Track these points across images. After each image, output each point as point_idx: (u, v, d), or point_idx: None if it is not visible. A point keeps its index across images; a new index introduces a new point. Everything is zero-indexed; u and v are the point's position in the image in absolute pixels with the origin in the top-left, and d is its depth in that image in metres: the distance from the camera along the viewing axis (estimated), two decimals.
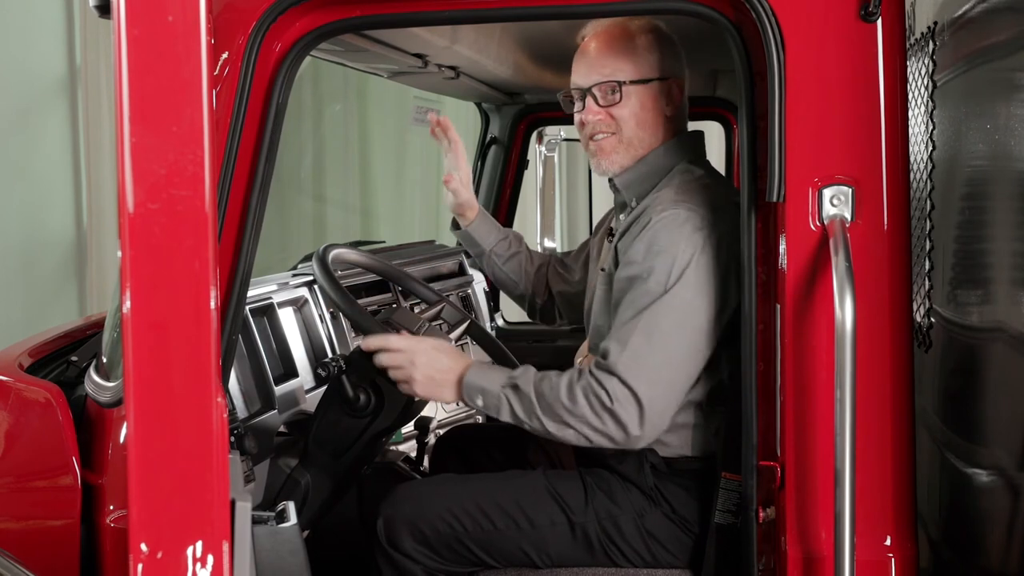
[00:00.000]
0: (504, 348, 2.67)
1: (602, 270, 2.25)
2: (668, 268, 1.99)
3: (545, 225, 4.44)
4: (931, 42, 1.89)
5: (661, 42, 2.20)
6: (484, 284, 3.89)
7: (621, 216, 2.29)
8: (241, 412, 2.43)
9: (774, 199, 1.77)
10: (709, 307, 2.01)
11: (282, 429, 2.58)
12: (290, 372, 2.66)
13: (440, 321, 2.66)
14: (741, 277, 1.87)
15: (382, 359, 2.13)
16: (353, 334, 2.98)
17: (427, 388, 2.11)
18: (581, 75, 2.21)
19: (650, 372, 1.97)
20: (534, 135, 4.08)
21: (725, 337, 2.05)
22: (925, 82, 1.92)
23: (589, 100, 2.19)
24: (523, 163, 4.03)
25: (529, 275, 2.75)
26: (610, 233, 2.34)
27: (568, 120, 2.28)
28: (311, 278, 2.87)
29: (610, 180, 2.28)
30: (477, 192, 3.99)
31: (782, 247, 1.79)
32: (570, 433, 2.00)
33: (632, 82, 2.17)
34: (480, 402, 2.06)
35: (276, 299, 2.70)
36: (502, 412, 2.05)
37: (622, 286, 2.07)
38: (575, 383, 1.99)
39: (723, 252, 2.02)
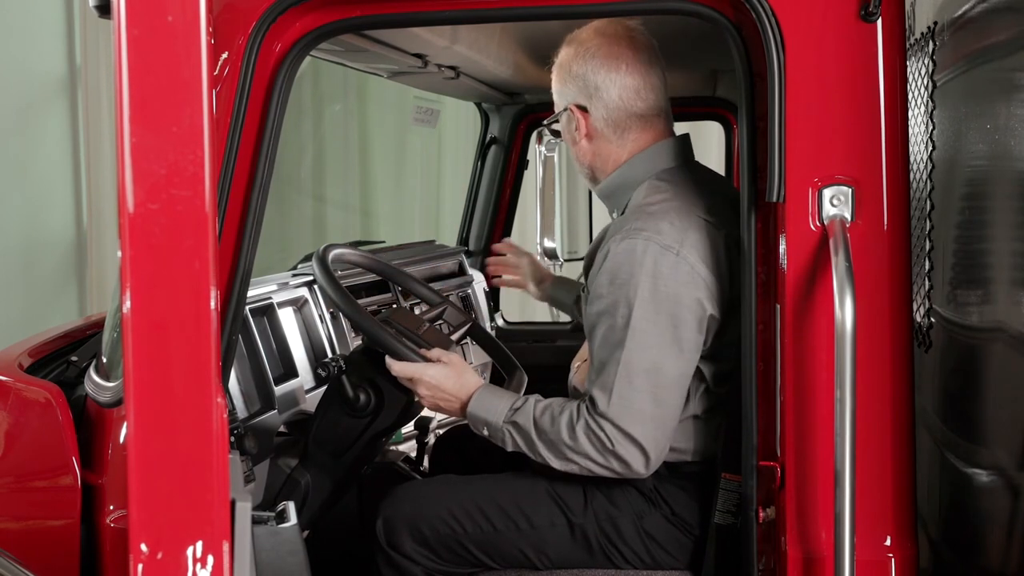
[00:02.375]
0: (505, 349, 2.67)
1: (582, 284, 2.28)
2: (633, 302, 1.98)
3: (545, 225, 4.43)
4: (931, 42, 1.89)
5: (558, 74, 2.23)
6: (484, 284, 3.89)
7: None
8: (241, 412, 2.43)
9: (774, 199, 1.77)
10: (683, 332, 2.00)
11: (282, 429, 2.58)
12: (290, 372, 2.66)
13: (441, 322, 2.66)
14: (742, 277, 1.87)
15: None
16: (353, 334, 2.98)
17: (436, 411, 2.21)
18: None
19: (640, 413, 1.98)
20: (534, 135, 4.07)
21: (712, 352, 2.05)
22: (925, 82, 1.92)
23: None
24: (523, 163, 4.03)
25: None
26: None
27: None
28: (311, 278, 2.87)
29: None
30: (477, 192, 3.99)
31: (782, 247, 1.79)
32: (574, 467, 2.03)
33: (553, 120, 2.29)
34: (486, 433, 2.11)
35: (276, 299, 2.70)
36: (507, 445, 2.09)
37: (592, 321, 2.06)
38: (575, 422, 2.00)
39: (688, 272, 2.00)
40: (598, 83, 2.17)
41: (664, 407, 2.00)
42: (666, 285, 1.99)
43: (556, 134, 4.21)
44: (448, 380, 2.13)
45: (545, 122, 2.31)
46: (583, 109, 2.18)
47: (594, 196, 4.42)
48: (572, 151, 2.26)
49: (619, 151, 2.19)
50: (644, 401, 1.98)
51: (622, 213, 2.19)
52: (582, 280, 2.27)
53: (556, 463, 2.03)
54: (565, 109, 2.22)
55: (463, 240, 4.03)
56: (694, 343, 2.01)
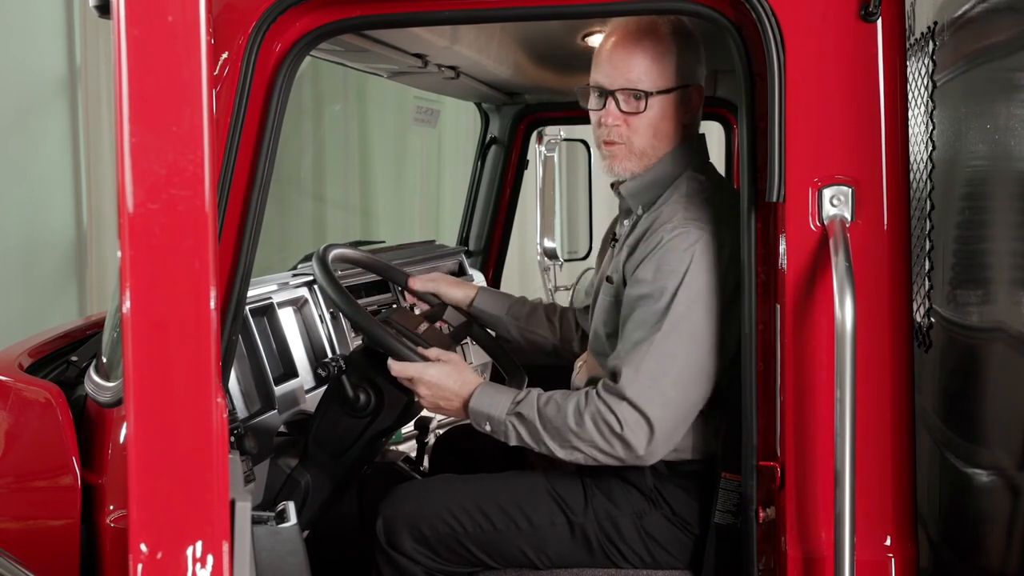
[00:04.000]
0: (505, 349, 2.67)
1: (608, 280, 2.23)
2: (679, 290, 1.98)
3: (545, 225, 4.44)
4: (931, 42, 1.89)
5: (687, 46, 2.14)
6: (484, 284, 3.89)
7: (626, 222, 2.27)
8: (241, 412, 2.43)
9: (774, 199, 1.77)
10: (720, 328, 2.00)
11: (282, 429, 2.58)
12: (290, 372, 2.66)
13: (441, 322, 2.66)
14: (741, 277, 1.87)
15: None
16: (353, 334, 2.98)
17: (436, 412, 2.19)
18: (605, 74, 2.12)
19: (662, 395, 1.97)
20: (534, 135, 4.07)
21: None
22: (925, 82, 1.92)
23: (611, 103, 2.11)
24: (523, 163, 4.03)
25: (555, 324, 2.68)
26: (614, 239, 2.34)
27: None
28: (311, 278, 2.87)
29: (613, 186, 2.26)
30: (477, 192, 3.99)
31: (782, 247, 1.79)
32: (579, 456, 2.02)
33: (658, 92, 2.10)
34: (488, 428, 2.10)
35: (276, 299, 2.70)
36: (510, 438, 2.08)
37: (632, 304, 2.05)
38: (583, 408, 1.99)
39: (734, 269, 1.99)
40: (703, 67, 2.21)
41: (685, 395, 1.99)
42: (712, 278, 2.00)
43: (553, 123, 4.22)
44: (448, 379, 2.13)
45: (655, 87, 2.11)
46: (700, 89, 2.19)
47: (594, 196, 4.45)
48: (663, 130, 2.13)
49: (676, 141, 2.18)
50: (668, 383, 1.97)
51: (647, 210, 2.18)
52: (610, 272, 2.23)
53: (560, 452, 2.02)
54: (688, 86, 2.14)
55: (463, 240, 4.03)
56: (729, 337, 2.00)
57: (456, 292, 2.70)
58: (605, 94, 2.12)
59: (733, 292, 1.99)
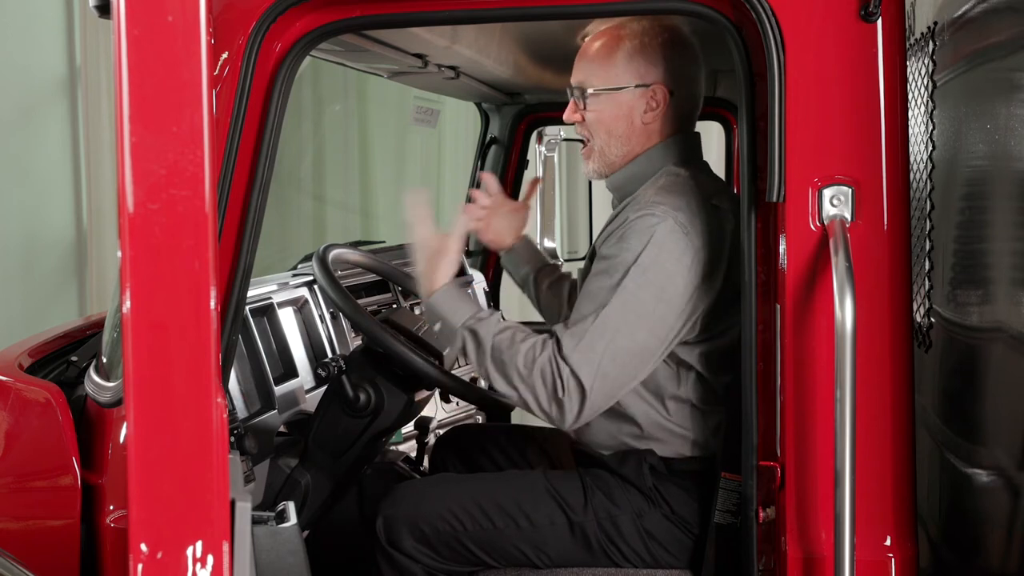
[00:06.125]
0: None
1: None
2: (631, 268, 2.00)
3: (545, 225, 4.43)
4: (931, 42, 1.89)
5: (648, 48, 2.17)
6: (484, 284, 3.89)
7: None
8: (241, 412, 2.43)
9: (774, 199, 1.77)
10: (667, 311, 2.01)
11: (282, 429, 2.59)
12: (290, 372, 2.66)
13: None
14: (741, 277, 1.87)
15: None
16: (353, 334, 2.98)
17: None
18: (571, 75, 2.24)
19: (599, 367, 1.98)
20: (534, 135, 4.07)
21: (701, 338, 2.06)
22: (925, 82, 1.92)
23: (572, 100, 2.22)
24: (523, 163, 4.03)
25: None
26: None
27: None
28: (311, 278, 2.87)
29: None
30: None
31: (782, 247, 1.79)
32: (513, 394, 2.03)
33: (599, 91, 2.17)
34: (437, 328, 2.10)
35: (276, 299, 2.70)
36: (454, 347, 2.08)
37: (590, 277, 2.08)
38: (537, 356, 2.00)
39: (692, 255, 2.01)
40: (689, 74, 2.19)
41: (620, 371, 2.00)
42: (667, 261, 2.00)
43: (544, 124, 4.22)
44: (426, 263, 2.13)
45: (597, 86, 2.17)
46: (670, 92, 2.17)
47: (594, 196, 4.45)
48: (616, 130, 2.17)
49: (656, 138, 2.19)
50: (606, 357, 1.98)
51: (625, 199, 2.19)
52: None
53: (499, 384, 2.03)
54: (646, 85, 2.15)
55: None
56: (670, 325, 2.02)
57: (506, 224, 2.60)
58: (570, 92, 2.24)
59: (701, 281, 2.02)
